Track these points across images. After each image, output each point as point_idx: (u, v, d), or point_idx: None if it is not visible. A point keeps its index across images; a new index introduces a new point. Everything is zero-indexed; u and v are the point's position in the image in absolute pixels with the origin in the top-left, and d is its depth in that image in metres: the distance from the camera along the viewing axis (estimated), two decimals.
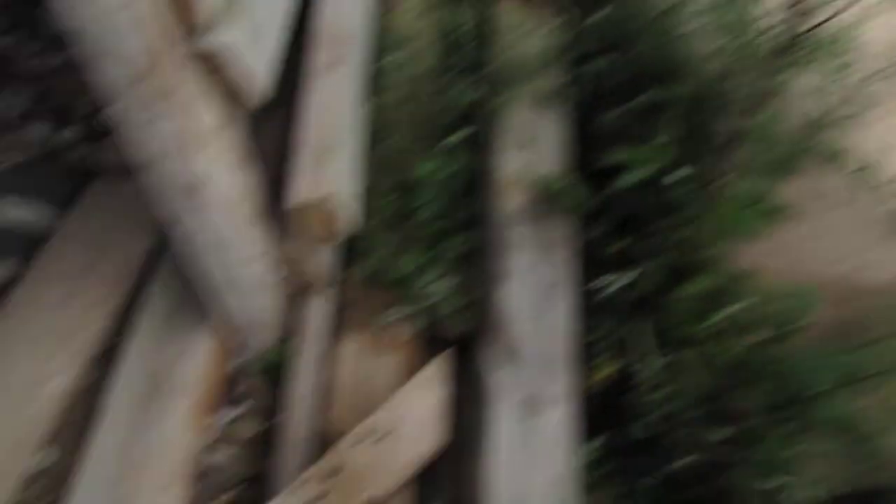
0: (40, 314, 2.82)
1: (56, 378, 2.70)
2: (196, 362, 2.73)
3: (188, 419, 2.62)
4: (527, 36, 3.27)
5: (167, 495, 2.49)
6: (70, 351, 2.79)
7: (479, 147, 3.12)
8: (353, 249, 2.89)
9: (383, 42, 3.27)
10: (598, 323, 2.72)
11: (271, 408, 2.83)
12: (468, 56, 3.32)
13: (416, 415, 2.52)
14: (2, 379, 2.67)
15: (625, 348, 2.67)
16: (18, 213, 3.08)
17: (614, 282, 2.73)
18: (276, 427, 2.76)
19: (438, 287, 2.83)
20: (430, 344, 2.80)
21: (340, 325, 2.82)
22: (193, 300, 2.76)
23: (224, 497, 2.66)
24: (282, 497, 2.35)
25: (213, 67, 2.03)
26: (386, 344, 2.78)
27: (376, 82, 3.17)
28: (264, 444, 2.77)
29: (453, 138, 3.08)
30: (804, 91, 2.48)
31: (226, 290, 2.58)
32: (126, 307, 2.88)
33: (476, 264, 2.91)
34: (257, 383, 2.84)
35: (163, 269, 2.90)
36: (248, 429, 2.78)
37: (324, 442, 2.63)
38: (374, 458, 2.44)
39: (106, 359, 2.81)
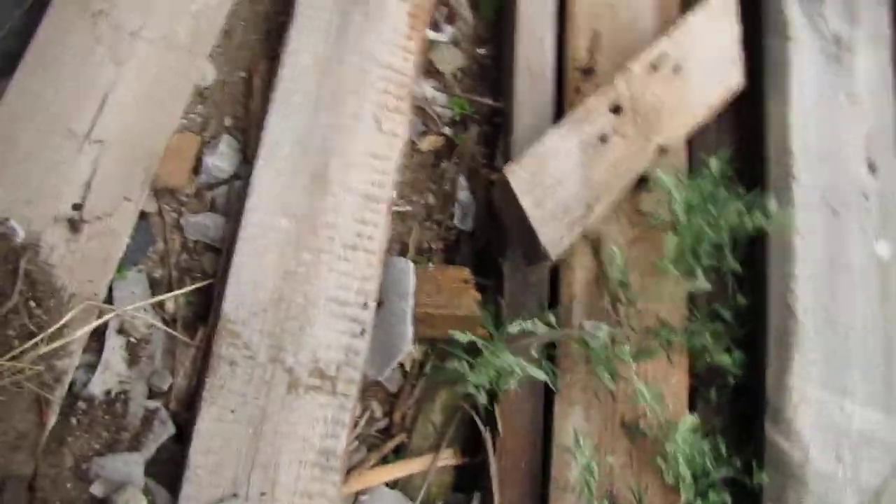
0: None
1: None
2: None
3: (402, 28, 2.09)
4: None
5: (379, 124, 2.02)
6: None
7: None
8: None
9: None
10: None
11: (480, 37, 2.32)
12: None
13: (708, 50, 2.08)
14: None
15: None
16: None
17: None
18: (491, 59, 2.32)
19: None
20: None
21: None
22: None
23: (434, 137, 2.20)
24: (565, 127, 1.92)
25: None
26: None
27: None
28: (472, 78, 2.29)
29: None
30: None
31: None
32: None
33: None
34: (465, 5, 2.30)
35: None
36: (453, 59, 2.27)
37: (567, 74, 2.17)
38: (666, 96, 2.02)
39: None
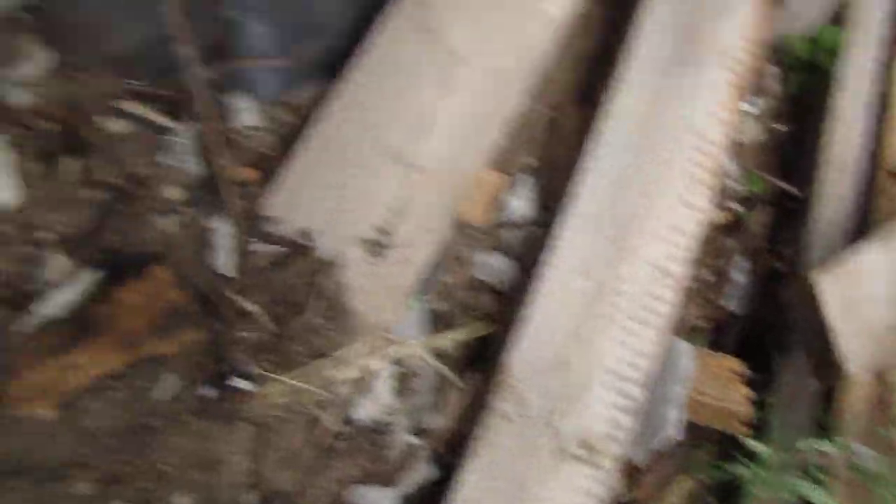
0: None
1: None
2: (736, 24, 2.05)
3: (721, 97, 2.00)
4: None
5: (685, 195, 1.95)
6: None
7: None
8: None
9: None
10: None
11: (781, 112, 2.22)
12: None
13: None
14: None
15: None
16: None
17: None
18: (788, 136, 2.23)
19: None
20: None
21: None
22: None
23: (723, 212, 2.12)
24: (879, 241, 1.85)
25: None
26: None
27: None
28: (766, 154, 2.20)
29: None
30: None
31: None
32: None
33: None
34: (780, 75, 2.21)
35: None
36: (752, 132, 2.19)
37: (875, 173, 2.08)
38: None
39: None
